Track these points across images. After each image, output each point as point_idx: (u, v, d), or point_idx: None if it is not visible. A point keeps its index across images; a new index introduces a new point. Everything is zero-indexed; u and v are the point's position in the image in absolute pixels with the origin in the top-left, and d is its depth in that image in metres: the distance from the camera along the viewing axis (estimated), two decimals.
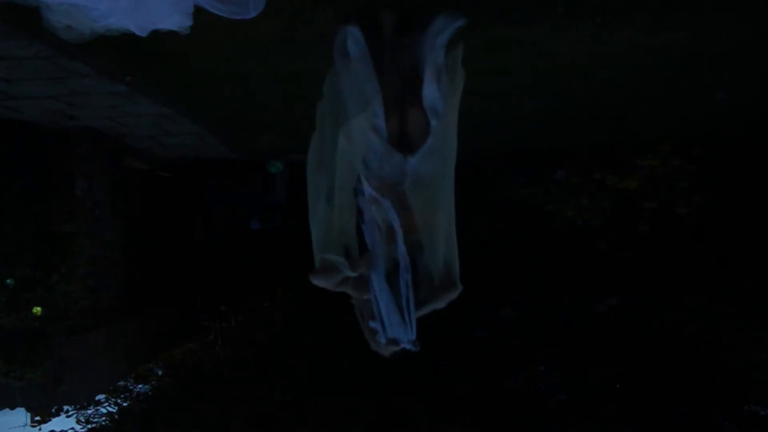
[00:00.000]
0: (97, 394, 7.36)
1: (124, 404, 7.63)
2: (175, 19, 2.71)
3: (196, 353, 8.52)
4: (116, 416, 7.43)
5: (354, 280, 2.68)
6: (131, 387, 7.95)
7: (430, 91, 2.71)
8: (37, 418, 7.28)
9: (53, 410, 7.12)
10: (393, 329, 2.63)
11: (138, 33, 2.68)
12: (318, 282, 2.68)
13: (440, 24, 2.82)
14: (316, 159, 2.80)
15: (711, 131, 6.73)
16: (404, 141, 2.74)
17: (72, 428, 7.26)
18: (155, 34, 2.76)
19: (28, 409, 6.97)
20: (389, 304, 2.62)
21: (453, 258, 2.73)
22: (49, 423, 7.20)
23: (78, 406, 7.35)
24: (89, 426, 7.36)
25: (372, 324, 2.65)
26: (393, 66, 2.84)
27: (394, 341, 2.64)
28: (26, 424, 7.29)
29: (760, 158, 6.94)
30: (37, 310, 5.51)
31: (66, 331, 5.91)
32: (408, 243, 2.67)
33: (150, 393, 7.82)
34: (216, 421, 6.90)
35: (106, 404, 7.62)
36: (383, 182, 2.70)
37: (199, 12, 2.73)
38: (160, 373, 8.30)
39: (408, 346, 2.64)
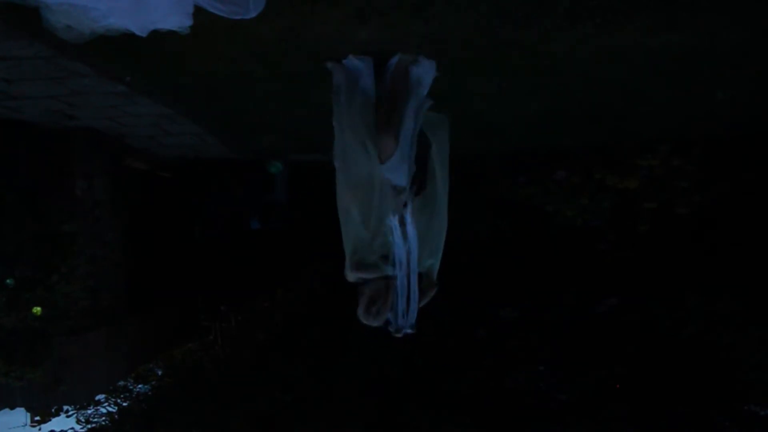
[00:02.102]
0: (97, 394, 7.36)
1: (124, 404, 7.62)
2: (175, 19, 2.71)
3: (196, 353, 8.51)
4: (116, 416, 7.43)
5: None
6: (131, 387, 7.95)
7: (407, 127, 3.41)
8: (37, 418, 7.28)
9: (53, 410, 7.13)
10: (400, 319, 3.22)
11: (138, 33, 2.68)
12: (358, 275, 3.24)
13: (421, 72, 3.59)
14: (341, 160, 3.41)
15: (711, 131, 6.73)
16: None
17: (72, 428, 7.26)
18: (155, 34, 2.76)
19: (28, 409, 6.98)
20: (401, 298, 3.22)
21: (436, 265, 3.49)
22: (49, 423, 7.20)
23: (78, 406, 7.35)
24: (89, 426, 7.36)
25: (389, 316, 3.21)
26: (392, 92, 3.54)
27: (399, 329, 3.24)
28: (26, 424, 7.29)
29: (760, 158, 6.93)
30: (37, 310, 5.51)
31: (66, 331, 5.91)
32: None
33: (150, 393, 7.81)
34: (216, 421, 6.90)
35: (106, 404, 7.61)
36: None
37: (199, 12, 2.74)
38: (160, 373, 8.29)
39: (409, 331, 3.25)
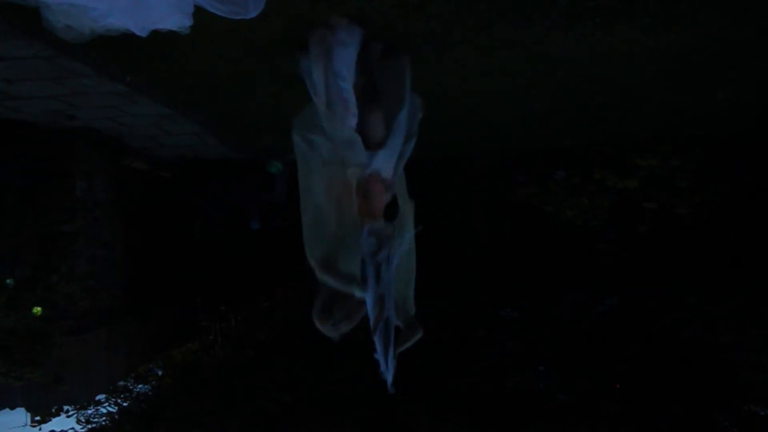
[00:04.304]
0: (97, 394, 7.36)
1: (124, 404, 7.62)
2: (175, 19, 2.71)
3: (196, 353, 8.50)
4: (116, 416, 7.42)
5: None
6: (131, 387, 7.94)
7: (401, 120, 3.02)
8: (37, 418, 7.27)
9: (53, 410, 7.12)
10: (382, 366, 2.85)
11: (138, 33, 2.67)
12: (326, 278, 2.77)
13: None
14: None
15: (711, 131, 6.73)
16: (365, 138, 2.97)
17: (72, 428, 7.24)
18: (155, 34, 2.75)
19: (28, 409, 6.97)
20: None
21: (411, 302, 3.04)
22: (49, 423, 7.18)
23: (78, 406, 7.34)
24: (89, 426, 7.35)
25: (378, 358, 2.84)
26: (364, 74, 3.11)
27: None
28: (26, 424, 7.27)
29: (760, 158, 6.93)
30: (37, 310, 5.51)
31: (66, 331, 5.92)
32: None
33: (150, 393, 7.80)
34: (216, 421, 6.90)
35: (106, 404, 7.60)
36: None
37: (199, 12, 2.73)
38: (160, 373, 8.28)
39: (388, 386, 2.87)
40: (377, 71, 3.18)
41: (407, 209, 3.14)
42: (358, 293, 2.73)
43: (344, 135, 2.88)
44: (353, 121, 2.94)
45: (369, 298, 2.71)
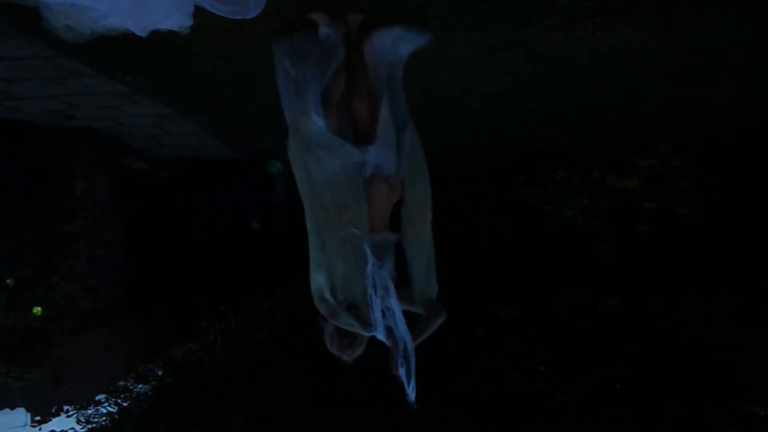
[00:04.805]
0: (97, 394, 7.37)
1: (124, 404, 7.62)
2: (175, 19, 2.71)
3: (196, 353, 8.51)
4: (116, 416, 7.43)
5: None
6: (131, 387, 7.94)
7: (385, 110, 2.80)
8: (37, 418, 7.27)
9: (53, 410, 7.13)
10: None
11: (138, 33, 2.67)
12: (347, 321, 2.59)
13: (404, 33, 2.97)
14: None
15: (711, 131, 6.73)
16: (357, 133, 2.81)
17: (72, 428, 7.25)
18: (155, 34, 2.75)
19: (28, 409, 6.98)
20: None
21: (432, 281, 2.86)
22: (49, 423, 7.19)
23: (78, 406, 7.34)
24: (89, 426, 7.35)
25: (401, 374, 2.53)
26: (349, 58, 2.92)
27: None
28: (26, 424, 7.28)
29: (760, 158, 6.94)
30: (37, 310, 5.52)
31: (66, 331, 5.92)
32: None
33: (150, 393, 7.81)
34: (216, 421, 6.90)
35: (106, 404, 7.60)
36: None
37: (199, 12, 2.73)
38: (160, 373, 8.29)
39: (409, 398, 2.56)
40: (362, 48, 2.96)
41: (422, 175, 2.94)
42: (365, 333, 2.56)
43: (326, 136, 2.78)
44: (318, 114, 2.82)
45: (379, 335, 2.54)
